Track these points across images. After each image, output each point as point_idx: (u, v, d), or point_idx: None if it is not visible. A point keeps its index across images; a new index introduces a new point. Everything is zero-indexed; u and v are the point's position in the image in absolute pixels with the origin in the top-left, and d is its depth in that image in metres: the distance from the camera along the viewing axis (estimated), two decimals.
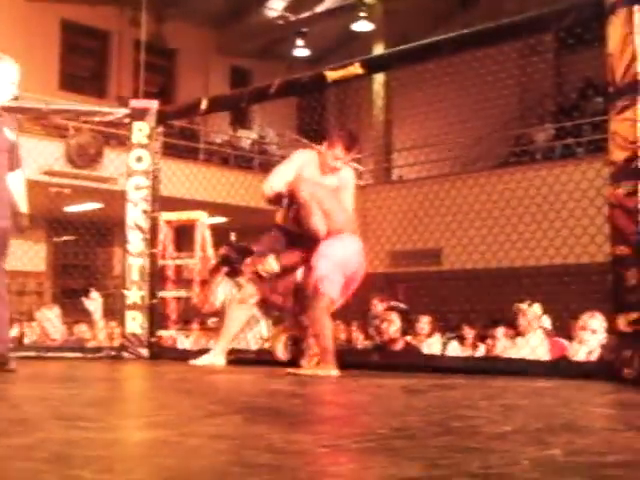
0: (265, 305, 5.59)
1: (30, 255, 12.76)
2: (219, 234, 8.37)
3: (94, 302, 7.39)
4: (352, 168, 5.52)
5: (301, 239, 5.03)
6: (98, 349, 6.79)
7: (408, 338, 6.31)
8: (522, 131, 15.67)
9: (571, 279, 9.29)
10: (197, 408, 3.05)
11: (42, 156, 10.49)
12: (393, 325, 5.97)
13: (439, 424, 2.50)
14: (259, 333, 6.27)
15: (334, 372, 4.68)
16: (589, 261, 6.57)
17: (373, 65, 5.79)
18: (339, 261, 4.87)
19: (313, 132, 13.09)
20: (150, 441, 2.20)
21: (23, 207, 4.89)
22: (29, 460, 1.82)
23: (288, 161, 5.26)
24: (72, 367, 5.87)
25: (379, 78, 16.06)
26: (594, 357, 5.66)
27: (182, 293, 8.32)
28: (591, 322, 5.82)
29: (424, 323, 7.93)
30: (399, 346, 5.98)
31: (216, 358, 5.38)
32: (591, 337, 5.81)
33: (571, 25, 4.73)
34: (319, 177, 5.13)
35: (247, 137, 17.38)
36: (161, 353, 6.53)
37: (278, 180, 5.10)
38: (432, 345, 7.73)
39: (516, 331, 7.06)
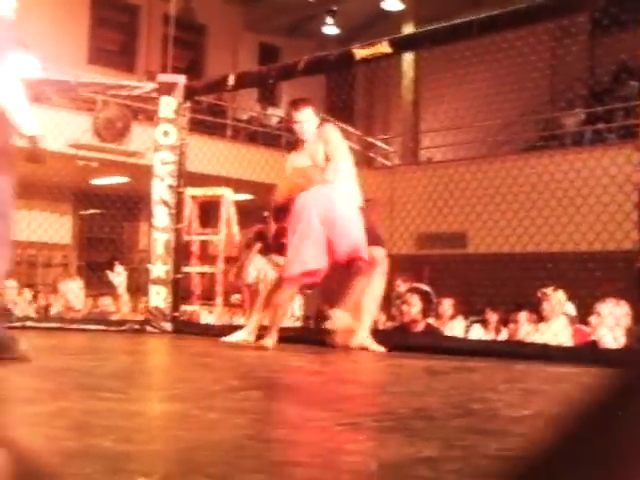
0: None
1: (56, 227, 12.87)
2: (244, 211, 8.38)
3: (119, 276, 7.43)
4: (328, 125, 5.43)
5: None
6: (122, 322, 6.83)
7: (430, 320, 6.29)
8: (552, 115, 15.52)
9: (596, 266, 9.22)
10: (217, 383, 3.07)
11: (70, 129, 10.56)
12: (414, 307, 5.96)
13: (458, 406, 2.50)
14: (291, 311, 6.29)
15: (269, 343, 4.82)
16: (615, 248, 6.50)
17: (402, 44, 5.75)
18: (305, 229, 4.84)
19: (341, 111, 13.06)
20: (169, 413, 2.21)
21: (28, 129, 3.75)
22: (52, 427, 1.84)
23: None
24: (95, 339, 5.92)
25: (408, 58, 15.96)
26: (619, 345, 5.61)
27: (206, 269, 8.35)
28: (602, 308, 5.77)
29: (447, 306, 7.91)
30: (420, 328, 5.97)
31: (248, 335, 5.38)
32: (596, 321, 5.77)
33: (606, 5, 4.65)
34: (294, 162, 5.18)
35: (274, 115, 17.36)
36: (184, 328, 6.56)
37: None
38: (455, 328, 7.71)
39: (539, 316, 7.02)
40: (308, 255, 4.81)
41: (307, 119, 5.14)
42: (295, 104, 5.24)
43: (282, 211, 5.09)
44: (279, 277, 5.19)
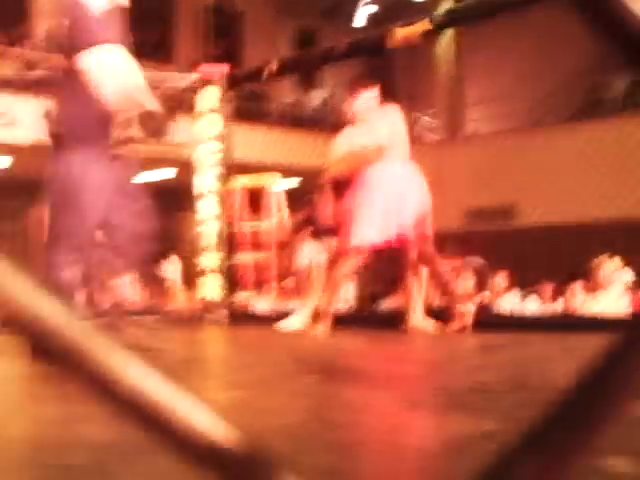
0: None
1: None
2: (293, 196, 8.41)
3: (172, 266, 7.52)
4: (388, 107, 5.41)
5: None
6: (176, 313, 6.91)
7: (486, 294, 6.27)
8: (597, 81, 15.24)
9: None
10: (276, 368, 3.10)
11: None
12: (467, 281, 5.94)
13: (515, 380, 2.50)
14: (344, 294, 6.28)
15: (320, 331, 4.75)
16: None
17: (442, 21, 5.70)
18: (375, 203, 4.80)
19: (383, 88, 12.89)
20: (229, 400, 2.25)
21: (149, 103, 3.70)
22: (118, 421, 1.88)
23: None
24: (151, 331, 5.99)
25: (448, 32, 15.80)
26: None
27: (258, 256, 8.40)
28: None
29: (501, 278, 7.86)
30: (474, 302, 5.94)
31: (302, 320, 5.40)
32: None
33: None
34: (350, 141, 5.12)
35: (317, 97, 17.33)
36: (238, 316, 6.61)
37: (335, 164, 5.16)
38: (510, 300, 7.67)
39: (595, 285, 6.96)
40: (376, 226, 4.77)
41: (365, 100, 5.13)
42: (353, 86, 5.21)
43: (341, 187, 5.05)
44: (340, 250, 5.03)
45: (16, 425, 1.87)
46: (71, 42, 3.53)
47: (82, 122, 3.54)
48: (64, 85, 3.62)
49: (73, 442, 1.68)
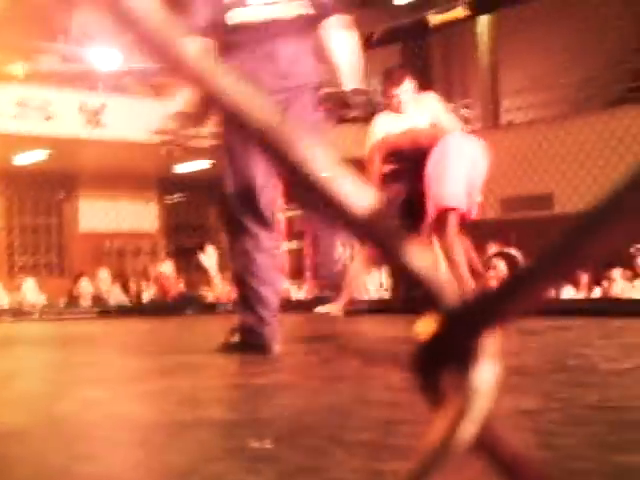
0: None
1: (144, 215, 13.12)
2: None
3: (210, 258, 7.57)
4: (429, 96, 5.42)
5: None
6: (215, 304, 6.97)
7: None
8: (637, 67, 15.04)
9: None
10: (314, 354, 3.13)
11: (150, 116, 10.73)
12: (499, 271, 5.91)
13: (555, 362, 2.50)
14: (378, 281, 6.31)
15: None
16: None
17: (478, 7, 5.69)
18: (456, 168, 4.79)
19: (418, 77, 12.86)
20: (271, 385, 2.28)
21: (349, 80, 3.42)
22: (165, 402, 1.93)
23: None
24: (189, 322, 6.06)
25: (484, 20, 15.70)
26: None
27: (293, 245, 8.43)
28: None
29: None
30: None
31: (337, 307, 5.44)
32: None
33: None
34: (396, 124, 5.11)
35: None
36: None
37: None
38: None
39: (634, 272, 6.91)
40: (462, 192, 4.77)
41: (406, 89, 5.15)
42: (393, 79, 5.21)
43: (397, 163, 5.05)
44: (437, 216, 4.83)
45: (65, 405, 1.91)
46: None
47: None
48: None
49: (118, 420, 1.72)
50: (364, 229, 0.45)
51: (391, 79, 5.19)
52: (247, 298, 3.11)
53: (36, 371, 3.05)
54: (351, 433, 1.41)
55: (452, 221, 4.74)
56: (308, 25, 3.30)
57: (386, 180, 5.05)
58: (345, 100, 3.38)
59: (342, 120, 4.09)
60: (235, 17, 3.16)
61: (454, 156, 4.78)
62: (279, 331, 3.10)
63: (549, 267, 0.44)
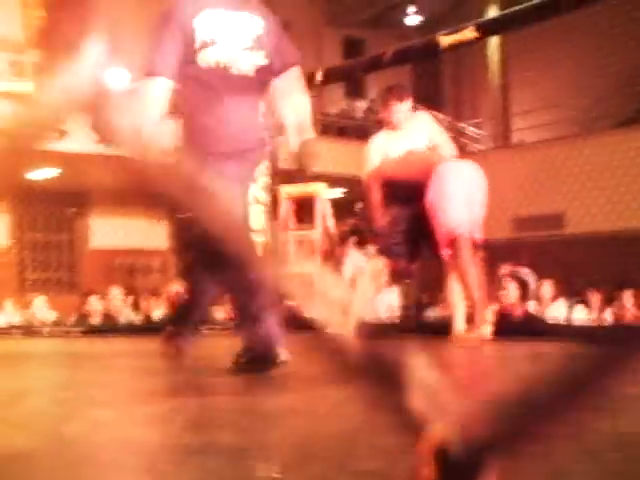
0: (395, 273, 5.52)
1: (153, 233, 13.13)
2: (336, 207, 8.43)
3: None
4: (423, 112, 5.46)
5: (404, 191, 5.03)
6: (226, 323, 6.96)
7: (531, 303, 6.21)
8: None
9: None
10: (321, 375, 3.11)
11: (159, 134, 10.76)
12: (510, 292, 5.89)
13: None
14: (390, 302, 6.28)
15: (486, 331, 4.66)
16: None
17: (488, 28, 5.71)
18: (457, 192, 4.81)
19: (429, 98, 12.98)
20: (280, 407, 2.27)
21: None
22: (172, 426, 1.92)
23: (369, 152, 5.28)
24: (200, 340, 6.03)
25: (494, 40, 15.74)
26: None
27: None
28: None
29: (548, 287, 7.80)
30: (518, 312, 5.90)
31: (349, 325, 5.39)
32: None
33: None
34: (393, 144, 5.13)
35: (362, 107, 17.36)
36: (288, 324, 6.62)
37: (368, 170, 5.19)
38: (557, 309, 7.61)
39: None
40: (464, 217, 4.79)
41: (403, 110, 5.17)
42: (396, 94, 5.23)
43: (395, 189, 5.06)
44: (450, 242, 4.81)
45: (72, 426, 1.91)
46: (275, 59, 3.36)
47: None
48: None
49: (125, 443, 1.72)
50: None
51: (392, 94, 5.22)
52: (241, 316, 3.26)
53: (45, 390, 3.05)
54: (359, 461, 1.41)
55: (465, 246, 4.74)
56: (266, 77, 3.33)
57: (386, 205, 5.06)
58: (293, 159, 3.45)
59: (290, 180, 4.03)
60: (204, 59, 3.15)
61: (454, 183, 4.82)
62: (282, 337, 3.18)
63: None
